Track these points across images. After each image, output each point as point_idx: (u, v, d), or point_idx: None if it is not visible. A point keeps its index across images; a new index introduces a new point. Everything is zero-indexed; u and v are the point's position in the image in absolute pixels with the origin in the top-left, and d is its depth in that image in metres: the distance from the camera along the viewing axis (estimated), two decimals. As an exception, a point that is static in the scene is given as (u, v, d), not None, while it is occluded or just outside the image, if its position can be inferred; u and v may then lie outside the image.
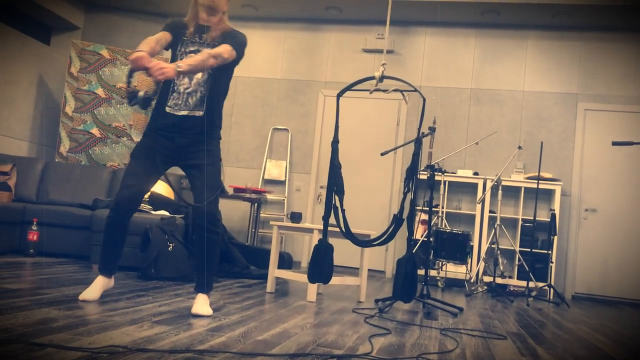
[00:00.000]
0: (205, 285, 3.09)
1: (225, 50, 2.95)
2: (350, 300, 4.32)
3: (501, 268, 5.86)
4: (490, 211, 6.58)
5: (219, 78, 3.11)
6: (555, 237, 6.20)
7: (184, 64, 2.78)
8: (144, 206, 5.25)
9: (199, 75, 3.04)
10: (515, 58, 7.09)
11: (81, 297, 3.06)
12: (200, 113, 3.06)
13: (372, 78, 3.89)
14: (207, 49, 3.00)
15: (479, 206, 6.56)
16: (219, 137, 3.18)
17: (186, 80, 3.04)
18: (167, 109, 3.04)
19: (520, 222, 6.53)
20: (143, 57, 2.70)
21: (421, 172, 4.82)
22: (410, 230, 3.93)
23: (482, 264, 6.01)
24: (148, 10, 7.57)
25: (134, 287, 3.80)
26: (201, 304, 3.04)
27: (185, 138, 3.05)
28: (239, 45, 3.04)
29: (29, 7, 6.82)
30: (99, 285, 3.12)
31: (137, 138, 6.62)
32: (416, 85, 7.17)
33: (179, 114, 3.03)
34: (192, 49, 3.05)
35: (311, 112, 7.48)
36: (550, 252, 6.21)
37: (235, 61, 3.08)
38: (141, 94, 2.86)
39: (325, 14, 7.35)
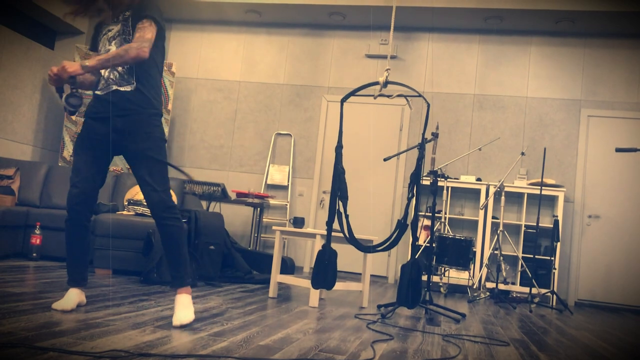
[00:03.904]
0: (180, 278, 2.81)
1: (144, 27, 2.74)
2: (352, 306, 4.31)
3: (504, 274, 5.85)
4: (493, 217, 6.57)
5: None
6: (558, 244, 6.18)
7: (94, 59, 2.66)
8: (146, 210, 5.25)
9: (113, 47, 2.84)
10: (518, 64, 7.09)
11: (57, 306, 2.81)
12: (129, 88, 2.81)
13: (377, 83, 3.89)
14: (116, 25, 2.86)
15: (481, 212, 6.55)
16: (160, 114, 2.90)
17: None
18: (98, 92, 2.87)
19: (523, 228, 6.52)
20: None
21: (424, 178, 4.81)
22: (415, 236, 3.93)
23: (484, 270, 5.99)
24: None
25: (137, 292, 3.80)
26: (181, 310, 2.75)
27: (120, 119, 2.80)
28: (156, 12, 2.82)
29: (33, 11, 6.85)
30: (75, 296, 2.88)
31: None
32: (419, 90, 7.18)
33: (107, 90, 2.83)
34: (109, 28, 2.90)
35: (314, 117, 7.49)
36: (553, 258, 6.19)
37: (161, 34, 2.88)
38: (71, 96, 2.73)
39: (328, 19, 7.36)
